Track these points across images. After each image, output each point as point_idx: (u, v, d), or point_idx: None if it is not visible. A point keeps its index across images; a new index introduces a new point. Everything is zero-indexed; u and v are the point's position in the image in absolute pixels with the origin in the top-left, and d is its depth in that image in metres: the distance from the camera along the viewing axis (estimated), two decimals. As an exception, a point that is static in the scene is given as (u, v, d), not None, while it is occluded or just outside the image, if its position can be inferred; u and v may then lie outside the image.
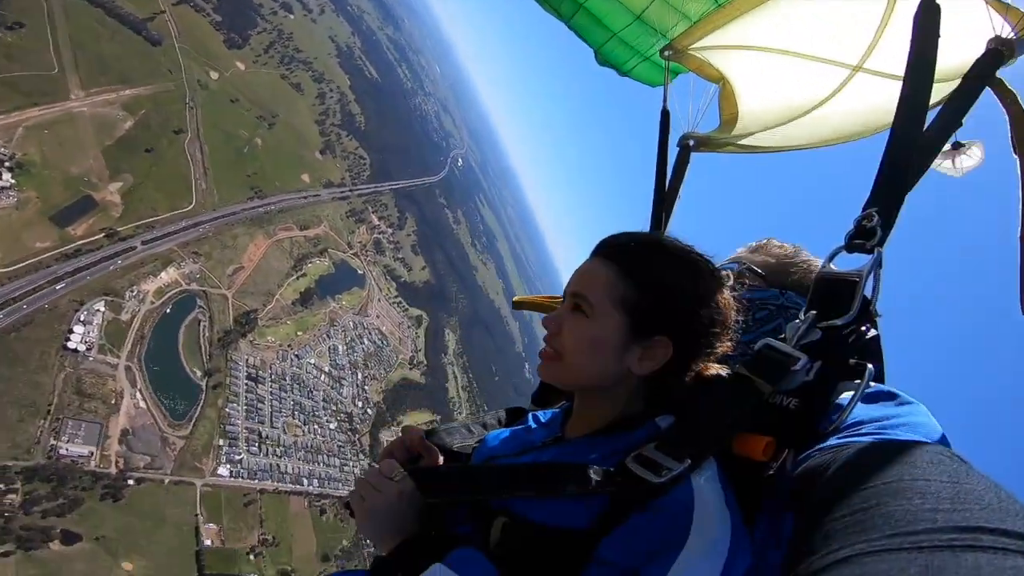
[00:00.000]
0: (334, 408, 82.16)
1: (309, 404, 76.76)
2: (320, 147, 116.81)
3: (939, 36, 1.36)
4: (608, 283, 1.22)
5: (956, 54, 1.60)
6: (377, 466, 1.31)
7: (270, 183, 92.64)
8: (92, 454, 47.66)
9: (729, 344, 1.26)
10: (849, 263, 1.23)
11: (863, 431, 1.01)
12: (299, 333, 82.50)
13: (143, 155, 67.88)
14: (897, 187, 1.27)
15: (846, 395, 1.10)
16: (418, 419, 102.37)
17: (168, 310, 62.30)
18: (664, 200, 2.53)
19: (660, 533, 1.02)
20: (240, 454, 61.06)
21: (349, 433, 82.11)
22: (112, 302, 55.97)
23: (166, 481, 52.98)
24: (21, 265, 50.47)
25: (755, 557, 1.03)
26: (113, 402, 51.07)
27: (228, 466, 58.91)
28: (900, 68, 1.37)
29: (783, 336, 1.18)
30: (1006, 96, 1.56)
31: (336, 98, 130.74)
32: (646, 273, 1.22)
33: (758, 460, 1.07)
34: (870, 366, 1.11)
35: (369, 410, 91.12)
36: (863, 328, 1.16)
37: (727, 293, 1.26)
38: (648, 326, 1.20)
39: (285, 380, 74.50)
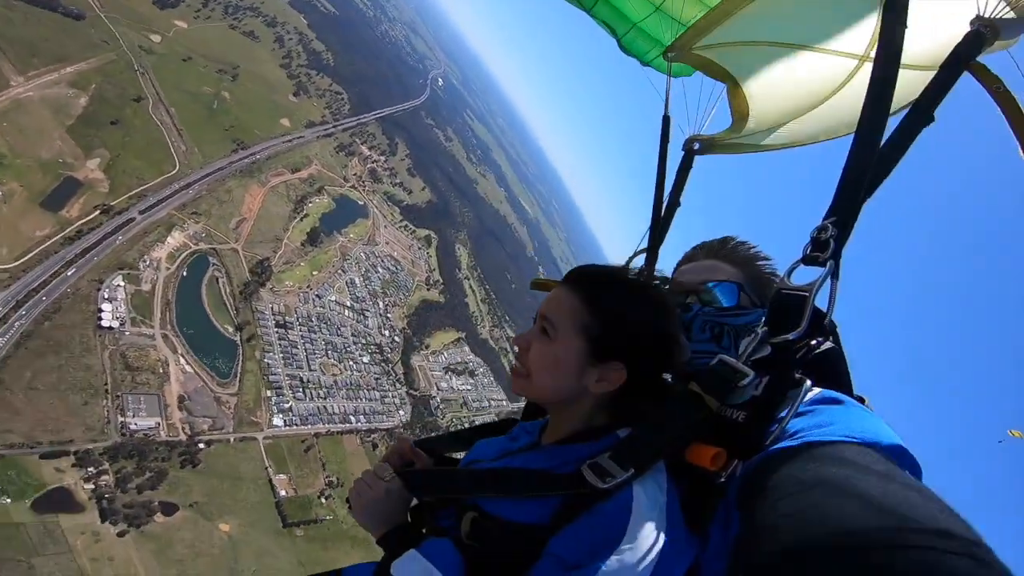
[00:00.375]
0: (364, 341, 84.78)
1: (340, 341, 79.23)
2: (292, 90, 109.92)
3: (903, 31, 1.29)
4: (572, 311, 1.38)
5: (933, 39, 1.52)
6: (372, 468, 1.60)
7: (249, 133, 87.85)
8: (159, 424, 49.84)
9: (679, 366, 1.44)
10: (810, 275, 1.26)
11: (796, 437, 1.09)
12: (314, 273, 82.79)
13: (110, 128, 63.92)
14: (853, 197, 1.23)
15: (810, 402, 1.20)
16: (445, 339, 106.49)
17: (184, 273, 62.05)
18: (665, 207, 2.51)
19: (600, 532, 1.16)
20: (288, 402, 63.90)
21: (383, 365, 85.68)
22: (129, 275, 55.58)
23: (231, 440, 55.75)
24: (29, 256, 49.70)
25: (718, 560, 1.18)
26: (161, 371, 52.59)
27: (280, 416, 61.69)
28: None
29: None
30: (990, 82, 1.42)
31: (296, 39, 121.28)
32: (607, 305, 1.37)
33: (709, 469, 1.18)
34: (808, 381, 1.19)
35: (396, 338, 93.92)
36: (813, 343, 1.21)
37: (676, 325, 1.44)
38: (605, 352, 1.35)
39: (312, 321, 76.22)
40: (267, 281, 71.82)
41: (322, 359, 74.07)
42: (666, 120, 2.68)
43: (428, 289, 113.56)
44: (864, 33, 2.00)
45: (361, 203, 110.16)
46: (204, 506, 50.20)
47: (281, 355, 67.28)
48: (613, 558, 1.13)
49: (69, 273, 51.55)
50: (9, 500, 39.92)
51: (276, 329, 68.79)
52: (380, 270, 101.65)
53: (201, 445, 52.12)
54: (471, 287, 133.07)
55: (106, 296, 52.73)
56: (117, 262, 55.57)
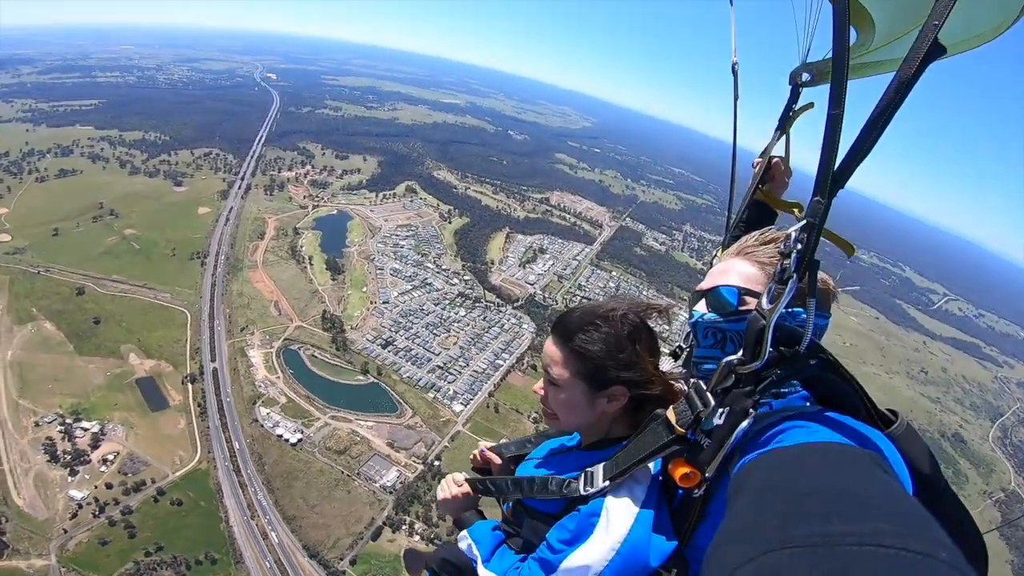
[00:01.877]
0: (447, 301, 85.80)
1: (432, 318, 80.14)
2: (171, 184, 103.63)
3: None
4: (563, 361, 1.71)
5: None
6: (452, 476, 2.18)
7: (189, 243, 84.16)
8: (400, 473, 53.64)
9: (646, 369, 1.69)
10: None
11: (760, 447, 1.16)
12: (364, 290, 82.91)
13: (102, 326, 63.07)
14: (825, 183, 1.11)
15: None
16: (498, 243, 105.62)
17: (290, 370, 63.72)
18: (760, 166, 2.30)
19: (576, 528, 1.50)
20: (448, 388, 66.52)
21: (477, 304, 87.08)
22: (264, 401, 58.04)
23: (449, 446, 58.41)
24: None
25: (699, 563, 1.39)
26: (358, 439, 55.18)
27: (455, 402, 64.30)
28: None
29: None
30: None
31: (112, 144, 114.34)
32: (587, 349, 1.67)
33: (681, 485, 1.33)
34: (753, 413, 1.23)
35: (466, 276, 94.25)
36: (777, 374, 1.24)
37: (647, 343, 1.72)
38: (602, 384, 1.68)
39: (400, 322, 77.73)
40: (343, 326, 72.98)
41: (437, 340, 76.31)
42: (734, 69, 2.40)
43: (449, 222, 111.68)
44: None
45: (335, 212, 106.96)
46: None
47: (409, 362, 69.74)
48: (578, 551, 1.44)
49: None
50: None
51: (386, 350, 70.88)
52: (403, 243, 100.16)
53: (436, 463, 56.41)
54: (476, 191, 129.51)
55: (261, 422, 55.72)
56: (247, 400, 58.22)
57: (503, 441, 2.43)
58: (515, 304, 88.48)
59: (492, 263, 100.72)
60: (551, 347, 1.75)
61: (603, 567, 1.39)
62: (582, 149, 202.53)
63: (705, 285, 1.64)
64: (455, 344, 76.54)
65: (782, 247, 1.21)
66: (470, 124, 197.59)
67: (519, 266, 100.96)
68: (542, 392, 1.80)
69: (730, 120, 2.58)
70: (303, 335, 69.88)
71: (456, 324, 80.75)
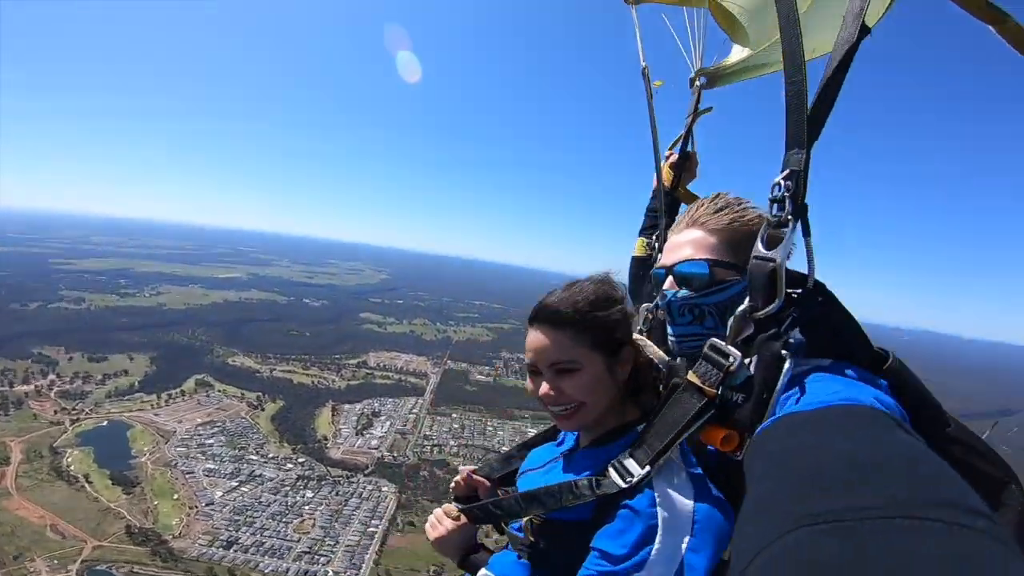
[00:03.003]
0: (288, 488, 74.61)
1: (278, 508, 67.56)
2: None
3: None
4: (572, 342, 1.54)
5: None
6: (441, 508, 1.87)
7: None
8: None
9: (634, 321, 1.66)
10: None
11: (775, 414, 1.08)
12: (176, 497, 65.95)
13: None
14: (801, 136, 1.14)
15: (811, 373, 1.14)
16: (325, 419, 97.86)
17: None
18: (675, 162, 2.50)
19: (635, 528, 1.27)
20: (323, 568, 57.55)
21: (325, 480, 77.88)
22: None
23: None
24: None
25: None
26: None
27: None
28: None
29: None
30: None
31: None
32: (585, 320, 1.55)
33: (722, 449, 1.21)
34: (788, 362, 1.12)
35: (300, 457, 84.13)
36: (793, 313, 1.17)
37: (622, 302, 1.64)
38: (614, 347, 1.58)
39: (237, 518, 63.61)
40: (161, 537, 56.68)
41: (291, 527, 64.75)
42: (644, 73, 2.53)
43: (262, 409, 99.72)
44: None
45: (104, 423, 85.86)
46: None
47: (266, 556, 56.97)
48: (655, 550, 1.22)
49: None
50: None
51: (231, 551, 57.06)
52: (210, 441, 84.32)
53: None
54: (284, 371, 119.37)
55: None
56: None
57: (486, 459, 2.17)
58: (366, 472, 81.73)
59: (325, 439, 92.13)
60: (549, 335, 1.56)
61: (685, 558, 1.21)
62: (385, 304, 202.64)
63: (668, 261, 1.59)
64: (314, 526, 66.14)
65: (772, 192, 1.16)
66: (257, 299, 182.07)
67: (356, 435, 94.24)
68: (551, 392, 1.56)
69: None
70: (109, 554, 52.97)
71: (308, 507, 69.89)
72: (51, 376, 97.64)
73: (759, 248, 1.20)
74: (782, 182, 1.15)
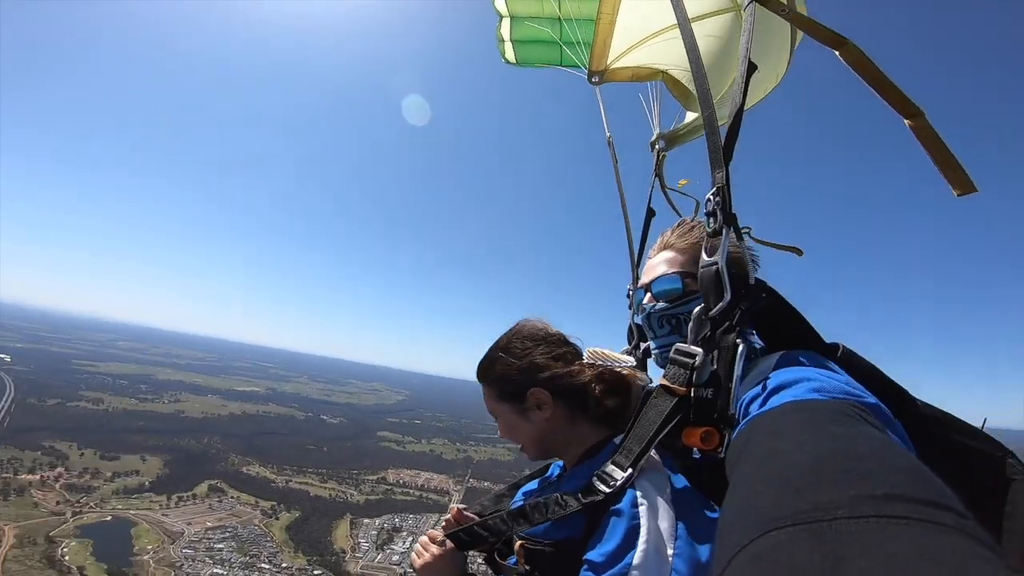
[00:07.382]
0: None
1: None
2: None
3: None
4: (487, 396, 1.77)
5: None
6: (426, 535, 1.80)
7: None
8: None
9: (568, 365, 1.70)
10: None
11: (746, 419, 1.06)
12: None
13: None
14: (719, 151, 1.31)
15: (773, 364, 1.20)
16: (343, 531, 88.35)
17: None
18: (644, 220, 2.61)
19: (620, 532, 1.25)
20: None
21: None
22: None
23: None
24: None
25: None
26: None
27: None
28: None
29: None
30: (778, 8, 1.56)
31: None
32: (486, 377, 1.76)
33: (703, 448, 1.21)
34: (741, 347, 1.19)
35: (316, 572, 74.64)
36: (742, 307, 1.26)
37: (546, 343, 1.74)
38: (517, 394, 1.70)
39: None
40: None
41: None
42: (610, 142, 2.84)
43: (276, 518, 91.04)
44: None
45: (108, 519, 78.91)
46: None
47: None
48: (638, 552, 1.20)
49: None
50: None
51: None
52: (220, 545, 76.28)
53: None
54: (300, 483, 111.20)
55: None
56: None
57: (478, 500, 2.17)
58: (390, 592, 72.15)
59: (343, 551, 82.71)
60: (483, 392, 1.78)
61: (671, 563, 1.18)
62: (403, 423, 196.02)
63: (645, 280, 1.74)
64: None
65: (706, 207, 1.31)
66: (276, 412, 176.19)
67: (376, 549, 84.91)
68: (502, 434, 1.78)
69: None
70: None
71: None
72: (59, 468, 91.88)
73: (703, 257, 1.32)
74: (712, 197, 1.30)
